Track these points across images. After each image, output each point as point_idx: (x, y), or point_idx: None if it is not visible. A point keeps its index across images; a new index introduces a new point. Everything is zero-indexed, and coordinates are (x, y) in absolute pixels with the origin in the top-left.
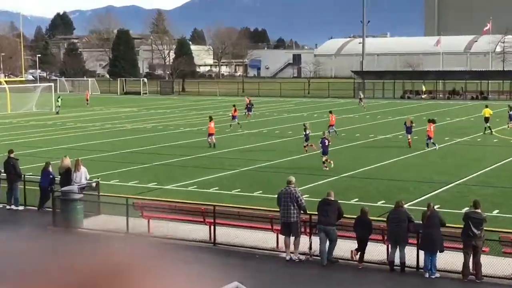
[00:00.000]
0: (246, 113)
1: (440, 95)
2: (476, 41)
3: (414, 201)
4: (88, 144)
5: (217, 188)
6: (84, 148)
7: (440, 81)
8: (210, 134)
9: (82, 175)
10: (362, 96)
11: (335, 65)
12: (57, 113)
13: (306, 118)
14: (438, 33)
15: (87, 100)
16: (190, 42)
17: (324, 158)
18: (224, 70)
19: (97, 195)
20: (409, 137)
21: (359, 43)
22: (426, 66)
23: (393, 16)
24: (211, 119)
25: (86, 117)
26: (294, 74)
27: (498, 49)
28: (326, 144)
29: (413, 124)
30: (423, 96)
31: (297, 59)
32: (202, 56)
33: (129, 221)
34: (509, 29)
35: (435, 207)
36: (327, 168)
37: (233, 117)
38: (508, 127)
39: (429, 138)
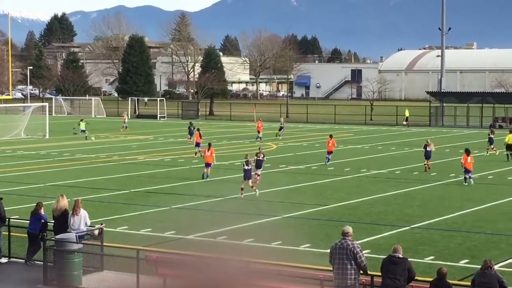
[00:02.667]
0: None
1: None
2: None
3: (507, 261)
4: (90, 180)
5: (252, 239)
6: (84, 185)
7: None
8: (207, 165)
9: (82, 220)
10: (283, 124)
11: (405, 84)
12: (86, 138)
13: (369, 151)
14: None
15: (125, 122)
16: (221, 53)
17: (249, 184)
18: (264, 88)
19: (100, 245)
20: (428, 162)
21: (437, 56)
22: None
23: (481, 22)
24: (210, 146)
25: (88, 146)
26: (353, 94)
27: None
28: (248, 168)
29: (434, 149)
30: (404, 123)
31: (356, 75)
32: (236, 71)
33: (139, 279)
34: None
35: None
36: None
37: (197, 144)
38: (487, 153)
39: (467, 171)
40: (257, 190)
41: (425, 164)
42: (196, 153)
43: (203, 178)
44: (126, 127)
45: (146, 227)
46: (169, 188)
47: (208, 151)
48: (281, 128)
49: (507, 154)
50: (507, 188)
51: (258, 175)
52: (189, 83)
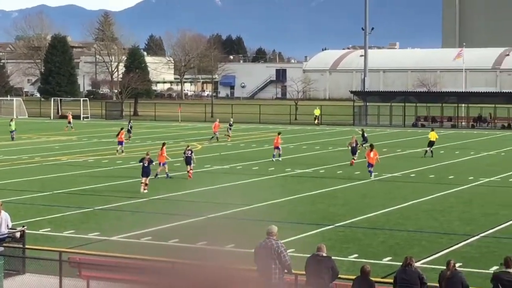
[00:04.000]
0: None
1: (463, 123)
2: (508, 54)
3: (428, 258)
4: (10, 182)
5: (177, 240)
6: (5, 187)
7: (463, 105)
8: (161, 164)
9: (3, 223)
10: (232, 123)
11: (329, 84)
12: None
13: (294, 150)
14: (459, 45)
15: (70, 123)
16: (145, 53)
17: (143, 180)
18: (188, 88)
19: (22, 248)
20: (354, 158)
21: (361, 55)
22: (445, 85)
23: (403, 22)
24: (163, 145)
25: (10, 148)
26: (278, 94)
27: None
28: (146, 164)
29: (359, 145)
30: (315, 122)
31: (281, 75)
32: (160, 71)
33: (62, 281)
34: None
35: (457, 265)
36: (146, 191)
37: (120, 143)
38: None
39: (370, 165)
40: (147, 189)
41: (352, 159)
42: (117, 151)
43: (155, 177)
44: (72, 126)
45: (69, 228)
46: (93, 189)
47: (160, 150)
48: (230, 125)
49: (425, 150)
50: (428, 186)
51: (190, 171)
52: (113, 83)
